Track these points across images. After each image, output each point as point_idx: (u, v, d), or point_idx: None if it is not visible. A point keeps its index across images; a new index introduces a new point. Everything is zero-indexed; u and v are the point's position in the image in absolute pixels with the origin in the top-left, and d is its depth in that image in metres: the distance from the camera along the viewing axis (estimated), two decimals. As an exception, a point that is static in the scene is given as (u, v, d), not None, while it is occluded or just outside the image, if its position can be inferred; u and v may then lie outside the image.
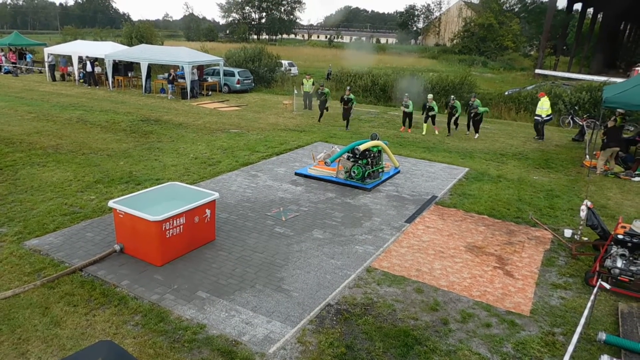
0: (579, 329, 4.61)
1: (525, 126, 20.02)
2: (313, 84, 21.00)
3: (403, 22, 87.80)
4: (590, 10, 46.42)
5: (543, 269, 6.99)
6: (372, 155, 10.42)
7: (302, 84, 21.14)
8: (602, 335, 4.95)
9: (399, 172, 11.57)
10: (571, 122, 19.80)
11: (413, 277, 6.55)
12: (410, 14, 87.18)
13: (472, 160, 13.27)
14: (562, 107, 21.04)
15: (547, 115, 16.50)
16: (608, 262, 6.37)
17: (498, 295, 6.19)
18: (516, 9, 66.07)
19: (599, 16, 46.89)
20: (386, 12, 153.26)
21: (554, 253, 7.54)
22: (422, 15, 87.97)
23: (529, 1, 66.15)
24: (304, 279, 6.36)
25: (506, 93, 24.80)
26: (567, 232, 8.14)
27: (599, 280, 5.83)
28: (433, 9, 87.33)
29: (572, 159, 13.88)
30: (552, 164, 13.18)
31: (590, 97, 20.30)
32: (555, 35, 49.73)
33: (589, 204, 7.44)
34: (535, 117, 16.72)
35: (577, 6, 46.73)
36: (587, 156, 13.46)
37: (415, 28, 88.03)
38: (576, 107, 20.52)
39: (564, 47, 49.74)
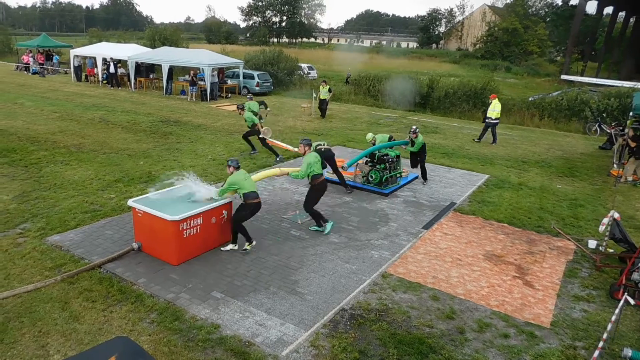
0: (601, 344, 4.45)
1: (549, 133, 19.67)
2: (330, 90, 20.03)
3: (424, 26, 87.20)
4: (622, 14, 45.34)
5: (565, 280, 6.80)
6: (390, 160, 10.34)
7: (319, 90, 20.17)
8: (628, 352, 4.77)
9: (417, 177, 11.45)
10: (598, 129, 19.33)
11: (429, 284, 6.45)
12: (432, 17, 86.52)
13: (493, 166, 13.06)
14: (588, 114, 20.57)
15: (496, 118, 16.09)
16: (635, 276, 6.15)
17: (517, 305, 6.05)
18: (543, 13, 64.89)
19: (631, 20, 45.76)
20: (407, 16, 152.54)
21: (577, 264, 7.34)
22: (444, 20, 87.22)
23: (559, 4, 64.85)
24: (319, 282, 6.33)
25: (530, 99, 24.40)
26: (592, 243, 7.92)
27: (625, 294, 5.65)
28: (456, 13, 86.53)
29: (598, 168, 13.54)
30: (576, 173, 12.87)
31: (619, 103, 19.80)
32: (583, 40, 48.70)
33: (615, 215, 7.21)
34: (489, 120, 16.08)
35: (608, 10, 45.65)
36: (615, 165, 13.10)
37: (437, 32, 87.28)
38: (604, 114, 20.04)
39: (592, 52, 48.65)
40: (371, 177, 10.29)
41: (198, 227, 6.68)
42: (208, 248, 6.97)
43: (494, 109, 15.95)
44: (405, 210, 9.26)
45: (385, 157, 10.27)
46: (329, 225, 7.92)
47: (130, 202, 6.79)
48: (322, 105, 20.03)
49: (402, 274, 6.71)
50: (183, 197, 7.30)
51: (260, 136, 12.47)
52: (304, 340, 5.11)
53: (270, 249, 7.24)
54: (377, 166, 10.28)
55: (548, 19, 62.23)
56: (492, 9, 70.45)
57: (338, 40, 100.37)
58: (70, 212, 8.20)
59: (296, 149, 8.96)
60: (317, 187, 7.80)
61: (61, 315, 5.29)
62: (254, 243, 7.18)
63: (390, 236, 7.98)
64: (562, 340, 5.37)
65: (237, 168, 7.08)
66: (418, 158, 11.05)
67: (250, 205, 6.93)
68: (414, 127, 10.83)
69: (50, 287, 5.80)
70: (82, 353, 3.65)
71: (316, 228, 8.01)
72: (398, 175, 10.68)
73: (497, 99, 16.28)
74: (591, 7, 49.40)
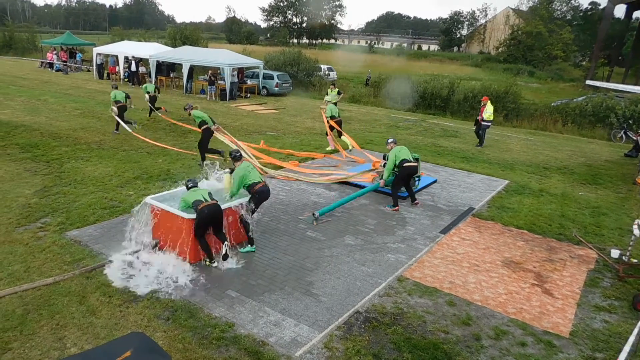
0: (622, 356, 4.31)
1: (572, 139, 19.28)
2: (339, 93, 18.77)
3: (446, 28, 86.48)
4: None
5: (586, 289, 6.64)
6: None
7: (327, 93, 19.04)
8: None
9: (435, 181, 11.33)
10: (624, 136, 18.88)
11: (445, 290, 6.36)
12: (454, 20, 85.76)
13: (513, 172, 12.84)
14: (614, 121, 20.11)
15: (490, 121, 15.67)
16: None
17: (535, 313, 5.92)
18: (568, 17, 63.60)
19: (662, 25, 44.55)
20: (429, 19, 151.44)
21: (598, 273, 7.15)
22: (467, 23, 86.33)
23: (587, 7, 63.51)
24: (334, 284, 6.29)
25: (553, 104, 23.95)
26: (614, 253, 7.71)
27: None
28: (478, 16, 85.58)
29: (622, 176, 13.20)
30: (600, 180, 12.57)
31: None
32: (610, 45, 47.60)
33: (641, 223, 7.01)
34: (486, 123, 15.62)
35: (638, 14, 44.50)
36: None
37: (458, 35, 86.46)
38: (630, 121, 19.56)
39: (620, 58, 47.48)
40: (388, 180, 10.19)
41: (214, 225, 6.69)
42: (224, 246, 6.99)
43: (488, 111, 15.46)
44: (423, 214, 9.16)
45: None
46: (249, 247, 7.10)
47: (148, 199, 6.86)
48: None
49: (418, 278, 6.63)
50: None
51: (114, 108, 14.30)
52: (318, 342, 5.08)
53: (286, 250, 7.23)
54: (395, 169, 10.17)
55: (575, 23, 60.89)
56: (516, 12, 69.38)
57: (358, 42, 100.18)
58: (89, 207, 8.32)
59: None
60: (257, 195, 7.03)
61: (79, 309, 5.37)
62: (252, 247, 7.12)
63: (407, 240, 7.90)
64: (581, 350, 5.24)
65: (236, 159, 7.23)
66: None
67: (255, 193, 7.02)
68: (390, 139, 9.64)
69: (69, 281, 5.89)
70: (98, 347, 3.69)
71: (248, 249, 7.09)
72: (416, 178, 10.56)
73: (489, 101, 15.81)
74: (619, 11, 48.01)
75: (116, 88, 15.00)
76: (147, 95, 16.87)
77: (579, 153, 16.16)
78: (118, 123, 14.17)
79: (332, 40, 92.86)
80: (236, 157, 7.24)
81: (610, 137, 19.55)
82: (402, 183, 9.44)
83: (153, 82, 21.49)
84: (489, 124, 15.74)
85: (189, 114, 11.82)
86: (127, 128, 14.00)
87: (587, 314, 6.00)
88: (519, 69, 50.05)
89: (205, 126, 11.33)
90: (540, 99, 27.90)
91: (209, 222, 6.40)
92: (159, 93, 17.70)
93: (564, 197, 10.80)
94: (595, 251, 7.88)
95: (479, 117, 15.73)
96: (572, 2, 64.44)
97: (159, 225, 6.80)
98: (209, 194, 6.61)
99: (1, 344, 4.72)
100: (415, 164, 9.36)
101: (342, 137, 14.17)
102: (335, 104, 18.84)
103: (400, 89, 25.00)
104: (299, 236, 7.76)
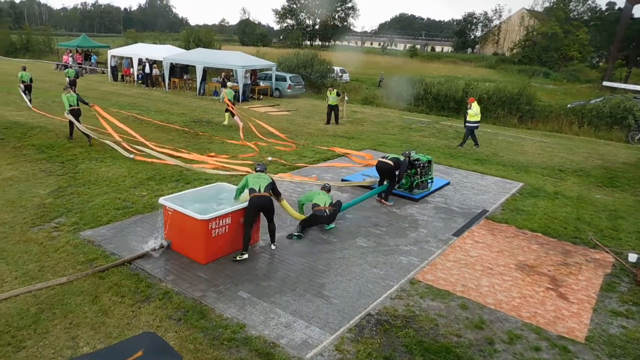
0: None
1: (588, 141, 18.98)
2: (338, 94, 18.49)
3: (460, 30, 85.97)
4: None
5: (602, 294, 6.50)
6: (421, 165, 10.17)
7: (327, 96, 18.92)
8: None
9: (448, 183, 11.23)
10: None
11: (458, 293, 6.28)
12: (468, 22, 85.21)
13: (528, 174, 12.67)
14: (632, 123, 19.77)
15: (476, 122, 15.37)
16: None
17: (550, 318, 5.82)
18: (585, 17, 62.63)
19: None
20: (442, 20, 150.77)
21: (615, 278, 7.00)
22: (480, 24, 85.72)
23: (603, 8, 62.51)
24: (345, 286, 6.26)
25: (569, 106, 23.63)
26: (632, 257, 7.55)
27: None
28: (492, 17, 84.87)
29: (640, 178, 12.95)
30: (617, 183, 12.34)
31: None
32: (628, 46, 46.77)
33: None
34: (470, 124, 15.32)
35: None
36: None
37: (472, 36, 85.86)
38: None
39: (638, 58, 46.65)
40: (401, 182, 10.13)
41: (227, 227, 6.72)
42: (236, 248, 7.00)
43: (475, 112, 15.21)
44: (436, 217, 9.08)
45: (416, 162, 10.10)
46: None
47: (161, 200, 6.90)
48: (333, 111, 18.54)
49: (430, 281, 6.56)
50: (214, 197, 7.40)
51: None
52: (329, 344, 5.05)
53: (298, 251, 7.22)
54: (408, 171, 10.11)
55: (591, 23, 59.94)
56: (531, 12, 68.60)
57: (372, 44, 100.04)
58: (103, 208, 8.40)
59: None
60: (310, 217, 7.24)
61: (91, 308, 5.41)
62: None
63: (420, 242, 7.83)
64: (597, 356, 5.13)
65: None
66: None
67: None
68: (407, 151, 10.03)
69: (82, 281, 5.94)
70: (110, 346, 3.71)
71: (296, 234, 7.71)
72: (429, 180, 10.49)
73: (475, 102, 15.51)
74: (638, 11, 47.19)
75: (24, 70, 17.43)
76: (67, 79, 20.12)
77: (595, 155, 15.90)
78: (30, 100, 17.49)
79: (345, 42, 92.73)
80: (325, 187, 8.42)
81: (628, 139, 19.22)
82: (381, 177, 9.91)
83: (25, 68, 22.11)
84: (475, 125, 15.41)
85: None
86: (28, 104, 17.11)
87: (604, 319, 5.88)
88: (534, 71, 49.47)
89: (72, 107, 13.15)
90: (555, 100, 27.53)
91: (257, 210, 6.85)
92: (77, 77, 21.81)
93: (580, 200, 10.62)
94: (612, 255, 7.72)
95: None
96: (590, 2, 63.51)
97: (172, 226, 6.84)
98: (268, 185, 6.88)
99: (15, 342, 4.78)
100: (390, 163, 9.43)
101: (234, 117, 16.63)
102: (335, 105, 18.77)
103: (412, 89, 24.88)
104: (310, 238, 7.75)
